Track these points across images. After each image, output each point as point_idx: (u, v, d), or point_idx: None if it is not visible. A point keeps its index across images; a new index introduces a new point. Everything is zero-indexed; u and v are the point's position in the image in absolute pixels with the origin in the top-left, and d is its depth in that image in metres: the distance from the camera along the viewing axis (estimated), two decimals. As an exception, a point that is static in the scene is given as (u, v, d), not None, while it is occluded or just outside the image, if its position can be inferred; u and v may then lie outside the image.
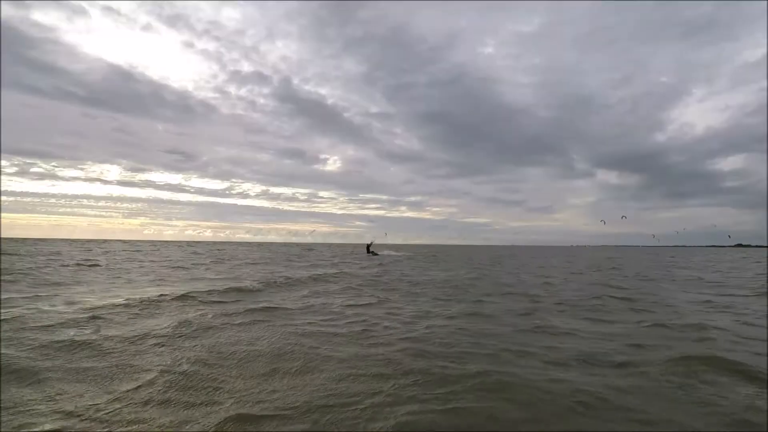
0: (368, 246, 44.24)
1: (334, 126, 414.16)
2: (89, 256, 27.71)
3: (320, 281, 14.42)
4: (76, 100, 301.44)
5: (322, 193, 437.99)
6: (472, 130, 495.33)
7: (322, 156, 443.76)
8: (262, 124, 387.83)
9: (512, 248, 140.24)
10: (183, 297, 9.27)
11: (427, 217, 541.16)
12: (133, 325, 6.54)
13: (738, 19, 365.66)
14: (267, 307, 8.21)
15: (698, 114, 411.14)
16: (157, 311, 7.82)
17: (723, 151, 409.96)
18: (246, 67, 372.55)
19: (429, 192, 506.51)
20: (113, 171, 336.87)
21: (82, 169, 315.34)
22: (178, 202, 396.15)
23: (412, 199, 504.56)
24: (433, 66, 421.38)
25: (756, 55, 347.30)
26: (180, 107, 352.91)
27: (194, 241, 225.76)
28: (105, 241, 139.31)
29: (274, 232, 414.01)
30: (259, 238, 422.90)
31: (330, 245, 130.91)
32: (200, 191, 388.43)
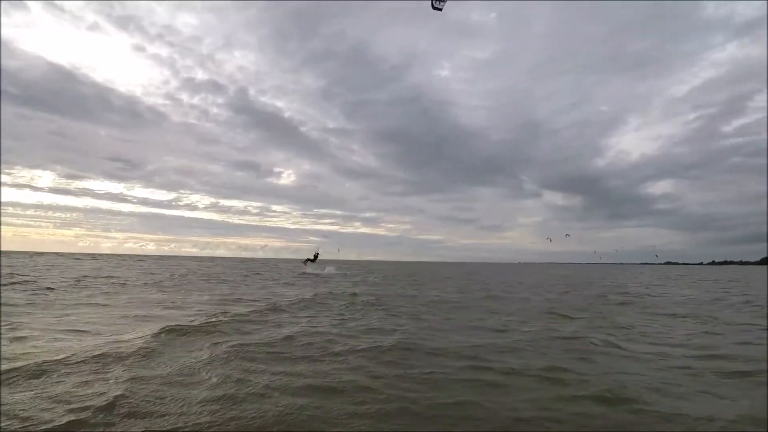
0: (315, 256, 38.34)
1: (291, 140, 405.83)
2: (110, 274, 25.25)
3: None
4: (9, 98, 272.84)
5: (275, 207, 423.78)
6: (429, 149, 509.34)
7: (277, 169, 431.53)
8: (215, 135, 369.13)
9: (472, 265, 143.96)
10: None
11: (382, 233, 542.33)
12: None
13: (670, 56, 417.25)
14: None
15: (634, 142, 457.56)
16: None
17: (654, 177, 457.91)
18: (200, 75, 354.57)
19: (384, 209, 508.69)
20: (45, 177, 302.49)
21: (9, 174, 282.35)
22: (119, 213, 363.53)
23: (367, 215, 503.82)
24: (393, 85, 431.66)
25: (681, 90, 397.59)
26: (126, 112, 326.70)
27: (137, 255, 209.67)
28: (37, 253, 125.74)
29: (223, 246, 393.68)
30: (206, 252, 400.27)
31: (283, 260, 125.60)
32: (144, 202, 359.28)
